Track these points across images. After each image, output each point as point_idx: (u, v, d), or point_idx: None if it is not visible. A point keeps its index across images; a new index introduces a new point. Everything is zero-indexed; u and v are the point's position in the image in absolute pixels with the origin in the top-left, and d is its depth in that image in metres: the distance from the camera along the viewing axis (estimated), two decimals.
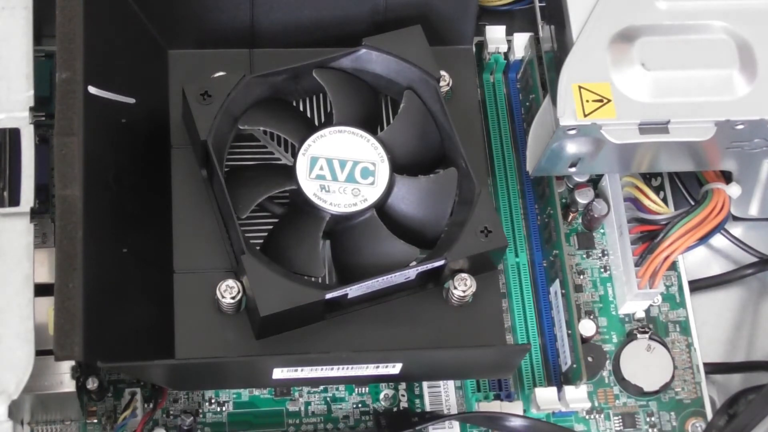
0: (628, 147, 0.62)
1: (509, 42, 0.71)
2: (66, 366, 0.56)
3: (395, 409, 0.64)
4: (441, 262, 0.58)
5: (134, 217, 0.57)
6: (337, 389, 0.64)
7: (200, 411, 0.63)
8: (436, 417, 0.62)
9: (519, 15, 0.73)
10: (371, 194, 0.58)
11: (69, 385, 0.57)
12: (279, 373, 0.57)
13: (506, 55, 0.71)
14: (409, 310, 0.60)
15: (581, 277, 0.69)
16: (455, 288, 0.59)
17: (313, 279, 0.59)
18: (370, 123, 0.61)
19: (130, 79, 0.59)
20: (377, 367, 0.57)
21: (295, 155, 0.59)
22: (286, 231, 0.59)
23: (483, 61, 0.71)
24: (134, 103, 0.58)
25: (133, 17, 0.61)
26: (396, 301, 0.60)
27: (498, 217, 0.61)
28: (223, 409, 0.63)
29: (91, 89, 0.55)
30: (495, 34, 0.71)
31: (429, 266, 0.58)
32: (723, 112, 0.62)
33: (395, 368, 0.58)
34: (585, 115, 0.60)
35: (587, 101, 0.61)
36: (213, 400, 0.63)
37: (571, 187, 0.70)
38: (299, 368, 0.56)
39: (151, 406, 0.62)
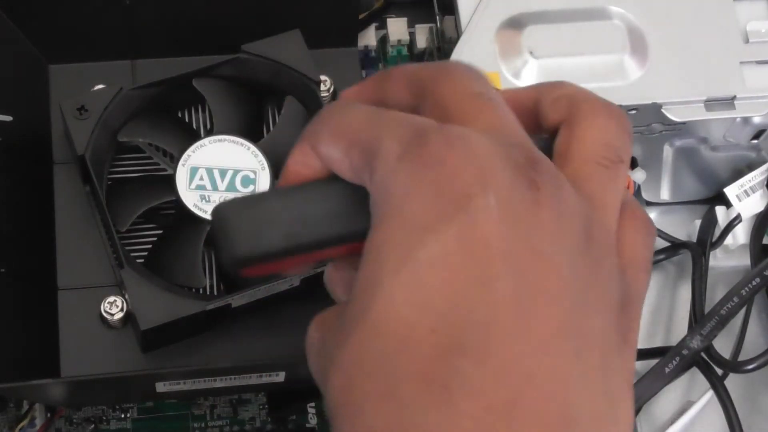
0: None
1: (411, 34, 0.71)
2: None
3: None
4: (323, 268, 0.58)
5: (13, 236, 0.58)
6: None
7: (104, 418, 0.64)
8: None
9: (422, 6, 0.72)
10: None
11: None
12: (162, 387, 0.57)
13: (410, 47, 0.71)
14: (296, 316, 0.59)
15: None
16: None
17: (194, 290, 0.59)
18: (252, 131, 0.61)
19: (7, 96, 0.59)
20: (260, 376, 0.58)
21: (174, 166, 0.59)
22: (168, 243, 0.59)
23: (386, 55, 0.71)
24: (11, 120, 0.59)
25: (9, 33, 0.61)
26: (283, 308, 0.60)
27: None
28: (128, 415, 0.64)
29: None
30: (397, 27, 0.70)
31: (313, 272, 0.58)
32: (614, 97, 0.60)
33: (279, 376, 0.58)
34: None
35: None
36: (117, 407, 0.64)
37: None
38: (181, 381, 0.56)
39: (49, 415, 0.62)
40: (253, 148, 0.59)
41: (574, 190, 0.35)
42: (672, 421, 0.67)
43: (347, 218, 0.36)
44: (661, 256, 0.70)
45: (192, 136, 0.60)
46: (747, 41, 0.64)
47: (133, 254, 0.59)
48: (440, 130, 0.34)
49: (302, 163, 0.37)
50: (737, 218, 0.67)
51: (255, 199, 0.38)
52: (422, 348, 0.31)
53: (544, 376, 0.31)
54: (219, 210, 0.36)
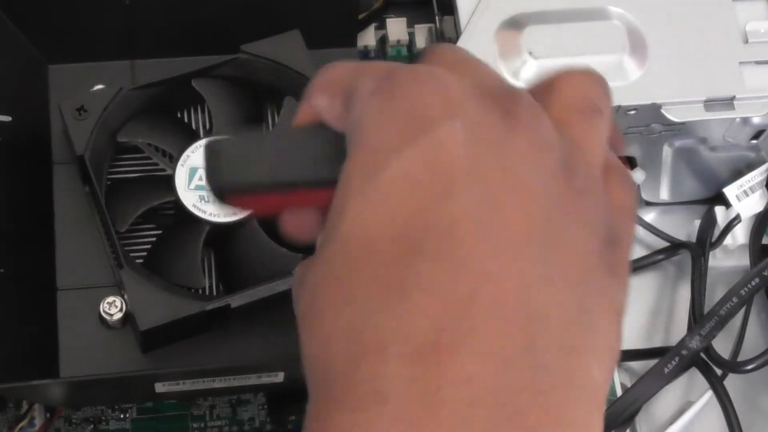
0: None
1: (411, 34, 0.71)
2: None
3: None
4: None
5: (12, 237, 0.58)
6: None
7: (103, 418, 0.64)
8: None
9: (422, 6, 0.72)
10: None
11: None
12: (161, 387, 0.57)
13: (409, 47, 0.71)
14: (295, 317, 0.60)
15: None
16: None
17: (194, 291, 0.59)
18: (252, 131, 0.61)
19: (7, 97, 0.59)
20: (260, 377, 0.58)
21: (174, 166, 0.59)
22: (168, 243, 0.59)
23: (386, 55, 0.71)
24: (11, 120, 0.59)
25: (9, 33, 0.61)
26: (283, 308, 0.59)
27: None
28: (127, 415, 0.64)
29: None
30: (396, 27, 0.70)
31: None
32: (614, 97, 0.61)
33: (278, 377, 0.58)
34: None
35: None
36: (116, 407, 0.64)
37: None
38: (181, 381, 0.57)
39: (48, 415, 0.62)
40: None
41: (555, 129, 0.35)
42: (671, 421, 0.67)
43: (330, 163, 0.36)
44: (661, 256, 0.70)
45: (191, 136, 0.60)
46: (746, 41, 0.64)
47: (132, 254, 0.59)
48: (411, 67, 0.35)
49: (302, 114, 0.39)
50: (737, 218, 0.67)
51: (246, 138, 0.41)
52: (382, 255, 0.32)
53: (505, 275, 0.31)
54: (212, 144, 0.38)
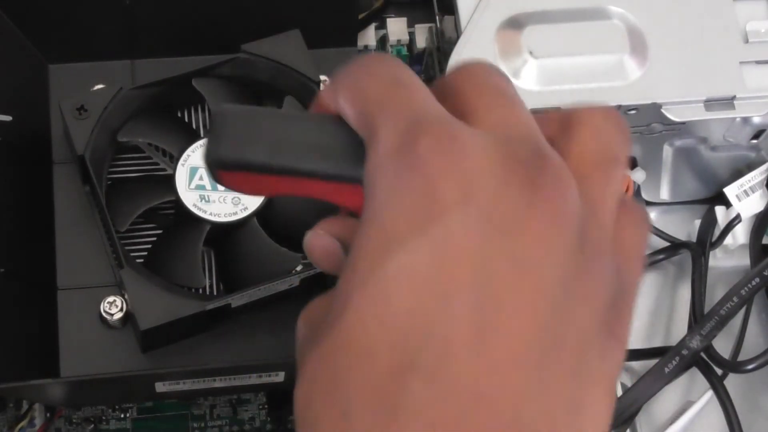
0: None
1: (411, 34, 0.71)
2: None
3: None
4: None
5: (12, 236, 0.58)
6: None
7: (103, 418, 0.64)
8: None
9: (422, 6, 0.72)
10: (252, 202, 0.58)
11: None
12: (162, 387, 0.57)
13: (410, 47, 0.71)
14: (296, 316, 0.59)
15: None
16: None
17: (194, 290, 0.59)
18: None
19: (7, 96, 0.59)
20: (260, 376, 0.58)
21: (174, 165, 0.59)
22: (168, 242, 0.59)
23: None
24: (11, 120, 0.59)
25: (9, 33, 0.61)
26: (283, 308, 0.59)
27: None
28: (127, 415, 0.64)
29: None
30: (396, 27, 0.71)
31: (312, 272, 0.58)
32: (614, 97, 0.61)
33: (279, 376, 0.58)
34: None
35: None
36: (117, 407, 0.64)
37: None
38: (181, 381, 0.57)
39: (48, 415, 0.62)
40: None
41: (576, 189, 0.34)
42: (672, 421, 0.67)
43: (337, 157, 0.35)
44: (661, 256, 0.70)
45: (192, 136, 0.60)
46: (747, 41, 0.64)
47: (132, 254, 0.59)
48: (434, 127, 0.33)
49: (325, 98, 0.37)
50: (737, 218, 0.66)
51: (258, 111, 0.38)
52: (379, 366, 0.31)
53: (496, 394, 0.30)
54: (221, 110, 0.36)
